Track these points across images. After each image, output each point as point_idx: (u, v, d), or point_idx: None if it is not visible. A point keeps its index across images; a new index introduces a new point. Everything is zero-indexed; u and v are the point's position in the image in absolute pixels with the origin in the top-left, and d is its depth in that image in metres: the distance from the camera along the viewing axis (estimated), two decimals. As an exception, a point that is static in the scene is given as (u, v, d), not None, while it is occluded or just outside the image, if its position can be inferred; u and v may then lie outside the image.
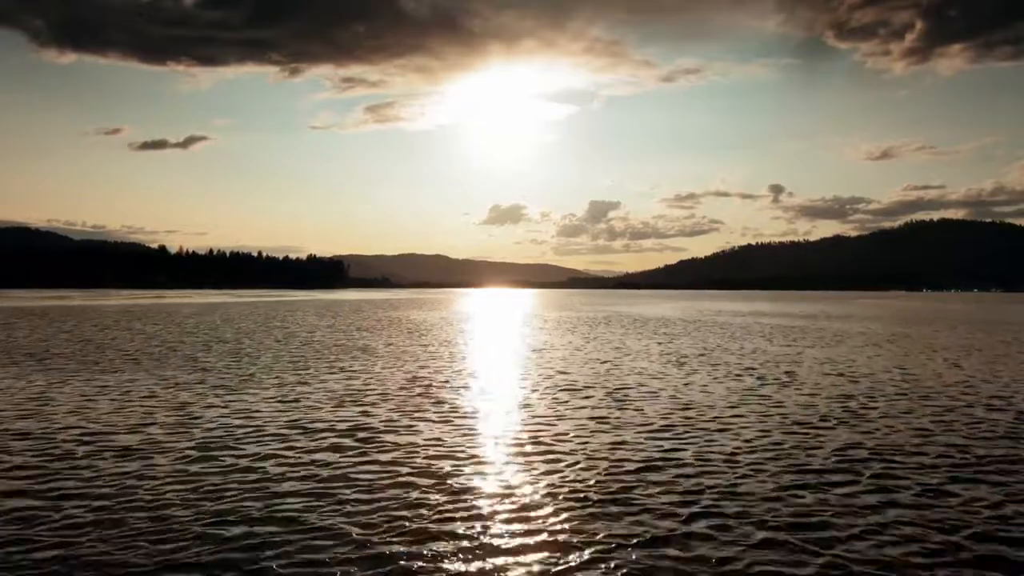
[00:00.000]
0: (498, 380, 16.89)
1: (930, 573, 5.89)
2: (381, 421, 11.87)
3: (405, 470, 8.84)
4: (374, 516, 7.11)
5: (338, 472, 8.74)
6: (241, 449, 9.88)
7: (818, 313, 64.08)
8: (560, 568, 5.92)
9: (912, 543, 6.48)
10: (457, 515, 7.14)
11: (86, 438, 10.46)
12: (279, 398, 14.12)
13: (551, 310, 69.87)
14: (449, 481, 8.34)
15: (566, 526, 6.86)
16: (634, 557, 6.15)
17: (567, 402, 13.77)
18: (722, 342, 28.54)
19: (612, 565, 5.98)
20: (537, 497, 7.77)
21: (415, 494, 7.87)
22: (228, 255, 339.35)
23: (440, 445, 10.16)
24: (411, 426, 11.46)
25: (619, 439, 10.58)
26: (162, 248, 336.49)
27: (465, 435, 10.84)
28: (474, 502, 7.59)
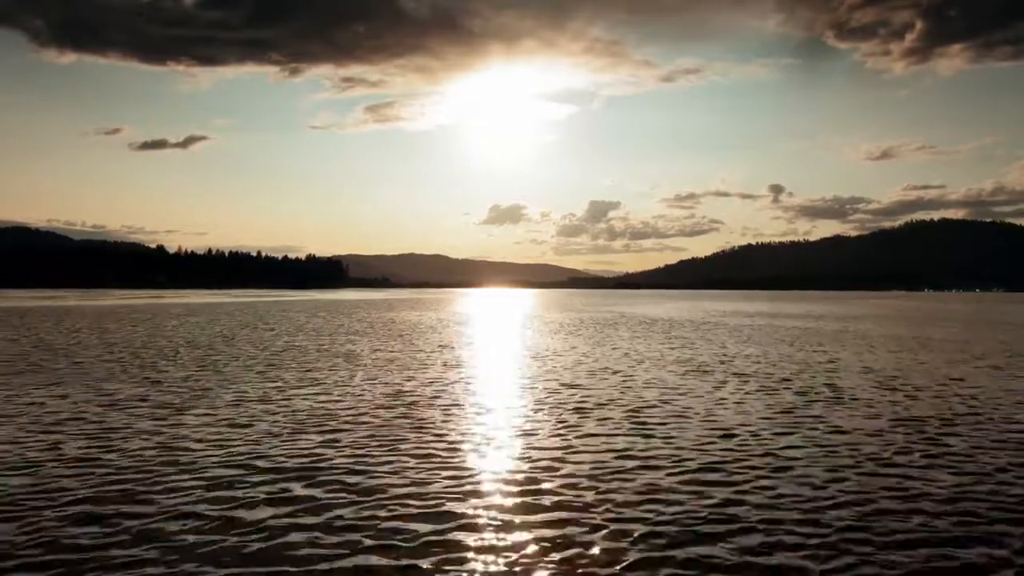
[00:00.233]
0: (495, 398, 14.39)
1: None
2: (346, 457, 9.38)
3: (365, 539, 6.37)
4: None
5: (273, 539, 6.26)
6: (146, 500, 7.40)
7: (827, 313, 61.62)
8: None
9: None
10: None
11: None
12: (227, 421, 11.63)
13: (552, 311, 67.43)
14: (425, 550, 5.88)
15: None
16: None
17: (578, 428, 11.28)
18: (740, 347, 26.08)
19: None
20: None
21: (375, 561, 5.41)
22: (227, 255, 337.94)
23: (416, 492, 7.69)
24: (381, 464, 8.98)
25: (650, 485, 8.10)
26: (161, 248, 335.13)
27: (450, 477, 8.36)
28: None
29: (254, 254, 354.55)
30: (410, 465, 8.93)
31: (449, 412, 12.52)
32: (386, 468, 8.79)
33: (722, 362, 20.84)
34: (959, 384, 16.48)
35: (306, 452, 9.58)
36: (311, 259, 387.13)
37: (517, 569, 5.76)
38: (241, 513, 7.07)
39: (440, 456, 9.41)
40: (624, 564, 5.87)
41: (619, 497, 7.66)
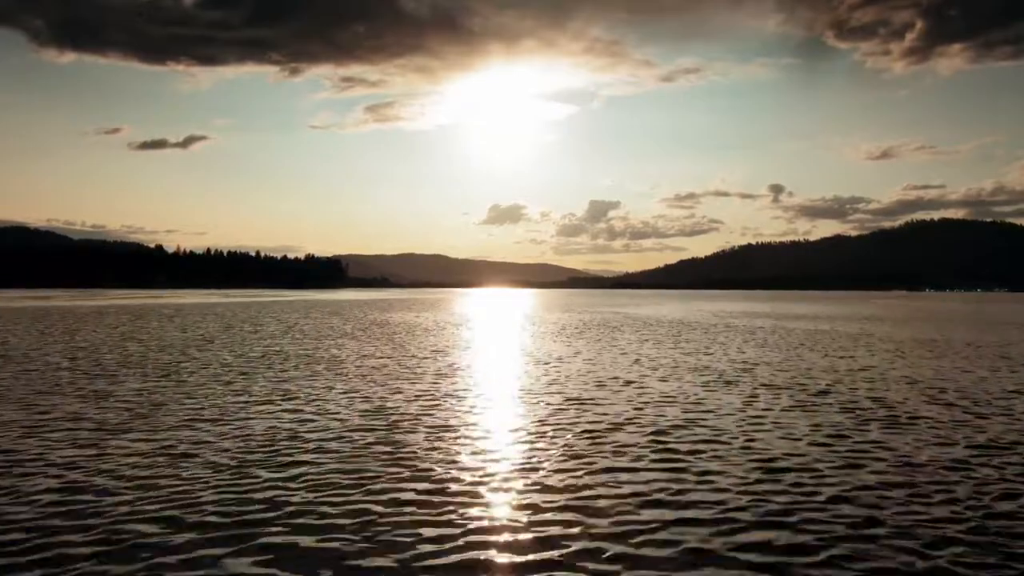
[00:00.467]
0: (491, 418, 12.32)
1: None
2: (299, 504, 7.32)
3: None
4: None
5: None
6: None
7: (836, 314, 59.55)
8: None
9: None
10: None
11: None
12: (164, 450, 9.57)
13: (553, 312, 65.37)
14: None
15: None
16: None
17: (590, 462, 9.20)
18: (759, 352, 24.02)
19: None
20: None
21: None
22: (226, 255, 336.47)
23: (386, 551, 5.62)
24: (344, 516, 6.92)
25: (695, 552, 6.04)
26: (159, 248, 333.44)
27: (431, 538, 6.29)
28: None
29: (253, 254, 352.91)
30: (379, 516, 6.87)
31: (436, 438, 10.45)
32: (350, 522, 6.73)
33: (745, 370, 18.76)
34: (1022, 398, 14.43)
35: (250, 497, 7.52)
36: (310, 259, 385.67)
37: None
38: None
39: (418, 503, 7.35)
40: None
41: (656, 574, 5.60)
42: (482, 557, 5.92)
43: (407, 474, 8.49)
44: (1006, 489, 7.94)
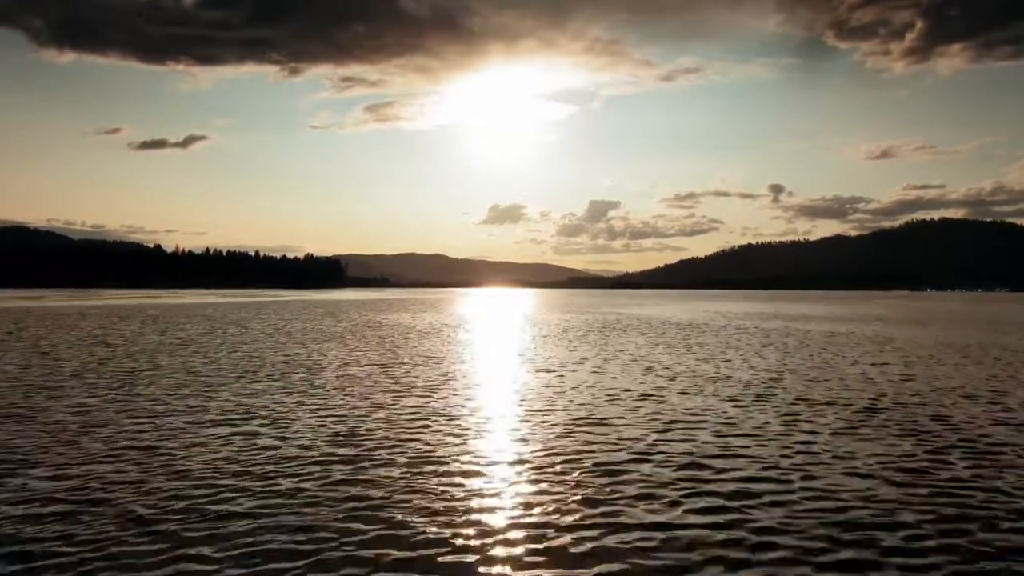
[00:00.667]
0: (486, 448, 10.26)
1: None
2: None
3: None
4: None
5: None
6: None
7: (846, 315, 57.51)
8: None
9: None
10: None
11: None
12: (66, 494, 7.50)
13: (554, 313, 63.30)
14: None
15: None
16: None
17: (612, 513, 7.14)
18: (782, 358, 21.97)
19: None
20: None
21: None
22: (225, 255, 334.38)
23: None
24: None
25: None
26: (158, 247, 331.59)
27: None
28: None
29: (252, 254, 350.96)
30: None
31: (415, 476, 8.40)
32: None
33: (773, 381, 16.69)
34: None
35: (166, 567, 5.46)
36: (309, 259, 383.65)
37: None
38: None
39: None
40: None
41: None
42: None
43: (373, 533, 6.43)
44: None
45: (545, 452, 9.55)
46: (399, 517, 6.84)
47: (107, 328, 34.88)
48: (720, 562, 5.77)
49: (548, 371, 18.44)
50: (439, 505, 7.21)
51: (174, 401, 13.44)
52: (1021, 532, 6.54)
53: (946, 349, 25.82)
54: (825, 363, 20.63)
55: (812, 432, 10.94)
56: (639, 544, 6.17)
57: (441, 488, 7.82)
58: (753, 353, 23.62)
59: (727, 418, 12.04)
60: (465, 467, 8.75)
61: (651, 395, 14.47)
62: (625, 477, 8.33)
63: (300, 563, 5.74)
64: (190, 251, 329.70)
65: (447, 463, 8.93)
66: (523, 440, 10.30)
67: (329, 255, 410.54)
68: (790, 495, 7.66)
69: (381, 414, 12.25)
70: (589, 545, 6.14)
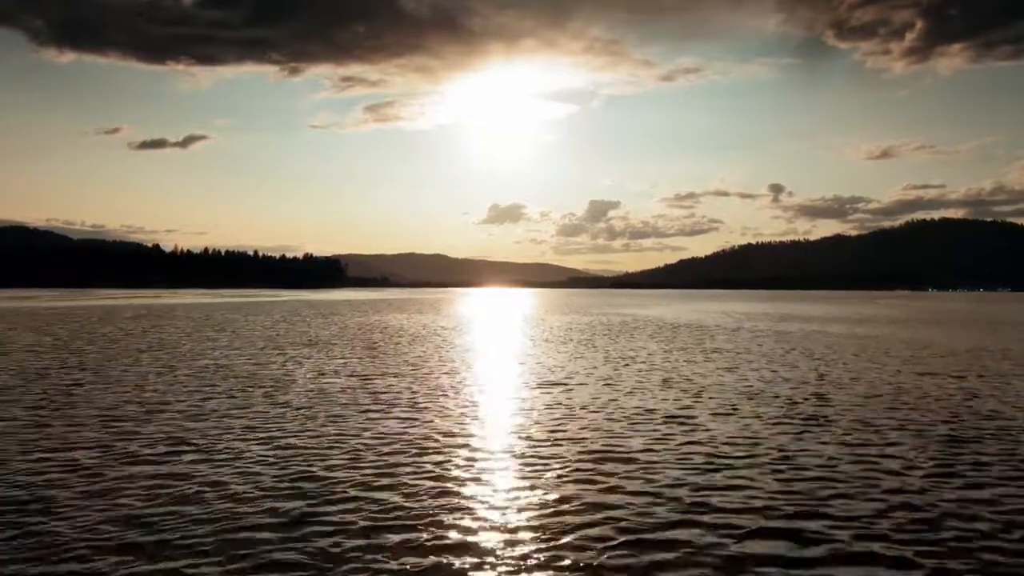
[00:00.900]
0: (474, 498, 7.83)
1: None
2: None
3: None
4: None
5: None
6: None
7: (860, 316, 55.11)
8: None
9: None
10: None
11: None
12: None
13: (556, 314, 60.87)
14: None
15: None
16: None
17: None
18: (812, 365, 19.55)
19: None
20: None
21: None
22: (224, 255, 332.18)
23: None
24: None
25: None
26: (157, 247, 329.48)
27: None
28: None
29: (251, 254, 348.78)
30: None
31: (376, 556, 5.97)
32: None
33: (817, 396, 14.26)
34: None
35: None
36: (309, 259, 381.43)
37: None
38: None
39: None
40: None
41: None
42: None
43: None
44: None
45: (554, 512, 7.12)
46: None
47: (79, 331, 32.46)
48: None
49: (553, 385, 16.00)
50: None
51: (95, 429, 11.02)
52: None
53: (989, 355, 23.38)
54: (866, 373, 18.19)
55: (904, 469, 8.53)
56: None
57: (408, 567, 5.40)
58: (781, 361, 21.18)
59: (780, 451, 9.61)
60: (446, 541, 6.32)
61: (677, 417, 12.03)
62: (671, 554, 5.91)
63: None
64: (189, 251, 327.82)
65: (418, 532, 6.50)
66: (524, 489, 7.88)
67: (329, 255, 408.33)
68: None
69: (345, 449, 9.82)
70: None
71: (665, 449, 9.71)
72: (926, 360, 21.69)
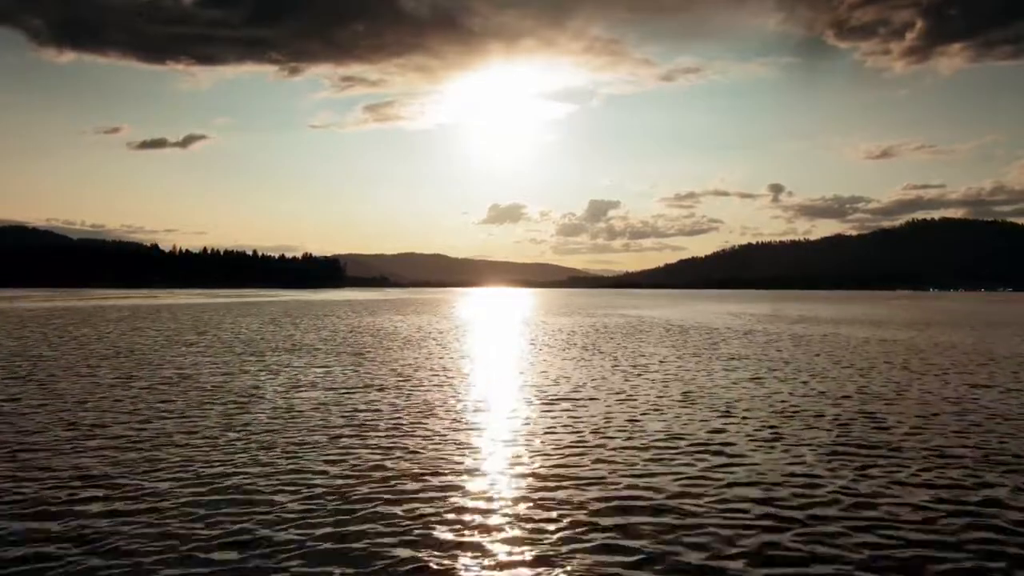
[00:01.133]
0: (470, 564, 5.78)
1: None
2: None
3: None
4: None
5: None
6: None
7: (874, 318, 53.09)
8: None
9: None
10: None
11: None
12: None
13: (557, 316, 58.84)
14: None
15: None
16: None
17: None
18: (849, 375, 17.53)
19: None
20: None
21: None
22: (223, 254, 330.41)
23: None
24: None
25: None
26: (155, 247, 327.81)
27: None
28: None
29: (250, 254, 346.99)
30: None
31: None
32: None
33: (868, 417, 12.22)
34: None
35: None
36: (308, 258, 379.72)
37: None
38: None
39: None
40: None
41: None
42: None
43: None
44: None
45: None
46: None
47: (50, 334, 30.41)
48: None
49: (557, 402, 13.96)
50: None
51: (14, 464, 8.99)
52: None
53: (1035, 362, 21.36)
54: (911, 385, 16.15)
55: (1015, 528, 6.49)
56: None
57: None
58: (808, 370, 19.13)
59: (852, 494, 7.57)
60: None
61: (710, 445, 9.99)
62: None
63: None
64: (188, 251, 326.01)
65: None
66: (526, 560, 5.85)
67: (329, 255, 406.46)
68: None
69: (297, 494, 7.78)
70: None
71: (705, 494, 7.67)
72: (972, 369, 19.65)
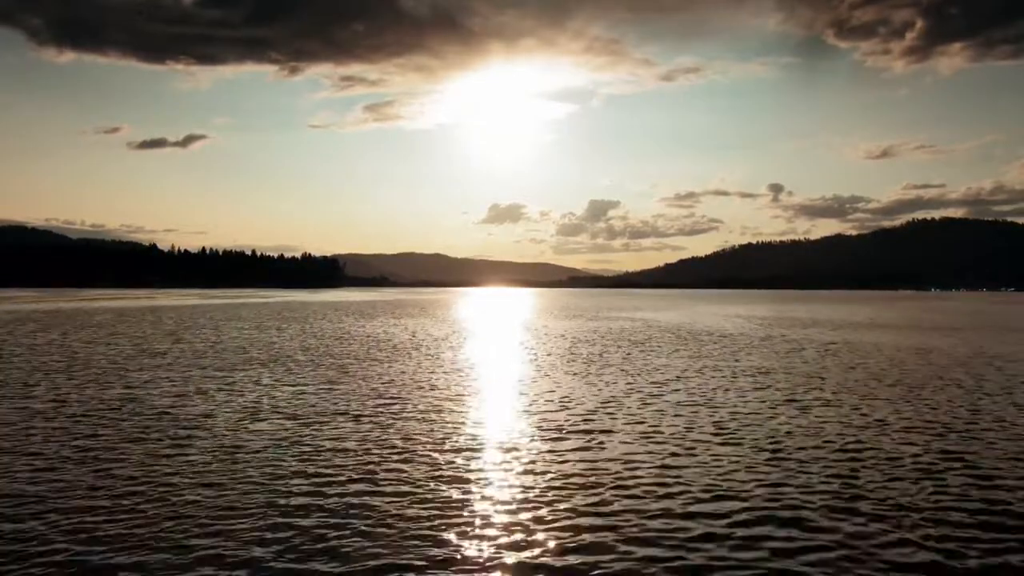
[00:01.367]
0: None
1: None
2: None
3: None
4: None
5: None
6: None
7: (892, 321, 50.67)
8: None
9: None
10: None
11: None
12: None
13: (558, 319, 56.41)
14: None
15: None
16: None
17: None
18: (903, 394, 15.14)
19: None
20: None
21: None
22: (221, 254, 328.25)
23: None
24: None
25: None
26: (153, 247, 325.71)
27: None
28: None
29: (249, 253, 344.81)
30: None
31: None
32: None
33: (959, 459, 9.80)
34: None
35: None
36: (307, 258, 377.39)
37: None
38: None
39: None
40: None
41: None
42: None
43: None
44: None
45: None
46: None
47: (10, 340, 27.98)
48: None
49: (565, 437, 11.53)
50: None
51: None
52: None
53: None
54: (983, 408, 13.74)
55: None
56: None
57: None
58: (851, 388, 16.68)
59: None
60: None
61: (775, 512, 7.54)
62: None
63: None
64: (186, 251, 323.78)
65: None
66: None
67: (329, 255, 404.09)
68: None
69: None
70: None
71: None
72: (1032, 387, 17.23)
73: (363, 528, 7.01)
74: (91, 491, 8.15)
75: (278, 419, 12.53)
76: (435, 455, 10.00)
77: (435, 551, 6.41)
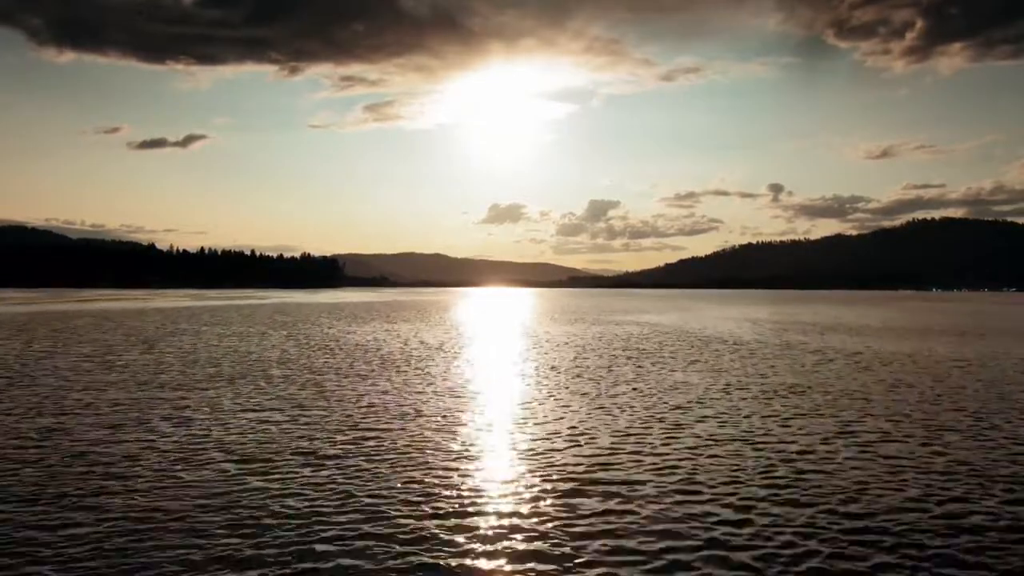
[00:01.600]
0: None
1: None
2: None
3: None
4: None
5: None
6: None
7: (920, 326, 48.29)
8: None
9: None
10: None
11: None
12: None
13: (560, 322, 53.98)
14: None
15: None
16: None
17: None
18: (965, 424, 12.78)
19: None
20: None
21: None
22: (220, 254, 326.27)
23: None
24: None
25: None
26: (153, 247, 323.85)
27: None
28: None
29: (249, 253, 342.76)
30: None
31: None
32: None
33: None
34: None
35: None
36: (307, 258, 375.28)
37: None
38: None
39: None
40: None
41: None
42: None
43: None
44: None
45: None
46: None
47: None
48: None
49: (581, 491, 9.15)
50: None
51: None
52: None
53: None
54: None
55: None
56: None
57: None
58: (902, 413, 14.29)
59: None
60: None
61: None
62: None
63: None
64: (186, 251, 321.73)
65: None
66: None
67: (329, 254, 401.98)
68: None
69: None
70: None
71: None
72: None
73: None
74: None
75: (220, 462, 10.14)
76: (406, 521, 7.61)
77: None
